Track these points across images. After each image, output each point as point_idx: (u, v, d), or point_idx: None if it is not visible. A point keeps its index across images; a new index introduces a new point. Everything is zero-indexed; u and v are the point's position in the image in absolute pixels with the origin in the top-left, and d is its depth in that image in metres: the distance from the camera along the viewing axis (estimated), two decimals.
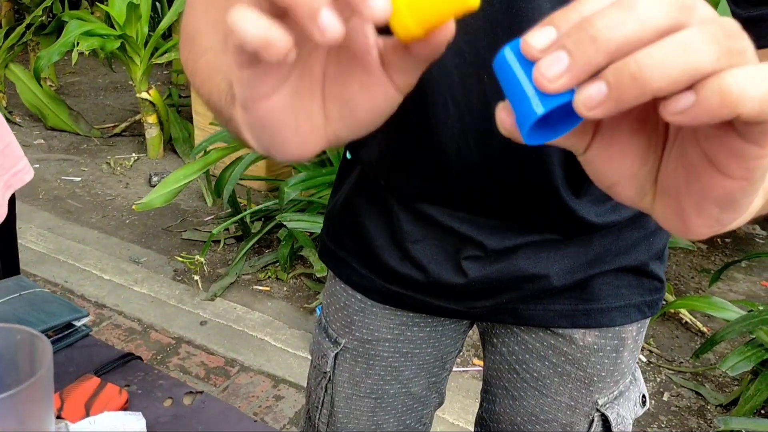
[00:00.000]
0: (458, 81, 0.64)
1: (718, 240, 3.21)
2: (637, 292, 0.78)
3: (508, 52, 0.32)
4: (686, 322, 2.55)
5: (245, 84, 0.35)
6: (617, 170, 0.35)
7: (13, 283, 0.94)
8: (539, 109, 0.30)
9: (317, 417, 0.97)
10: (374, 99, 0.37)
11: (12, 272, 1.16)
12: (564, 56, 0.29)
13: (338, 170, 0.89)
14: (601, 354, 0.79)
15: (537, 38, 0.30)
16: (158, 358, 2.13)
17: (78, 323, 0.90)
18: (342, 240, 0.87)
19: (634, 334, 0.81)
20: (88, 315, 0.91)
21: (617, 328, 0.79)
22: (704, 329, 2.50)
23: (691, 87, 0.28)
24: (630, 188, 0.35)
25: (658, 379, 2.25)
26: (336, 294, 0.90)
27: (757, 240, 3.27)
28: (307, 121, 0.38)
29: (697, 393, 2.19)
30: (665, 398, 2.16)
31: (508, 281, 0.75)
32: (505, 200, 0.71)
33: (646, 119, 0.33)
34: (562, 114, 0.32)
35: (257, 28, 0.31)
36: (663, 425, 2.04)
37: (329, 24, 0.30)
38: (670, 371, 2.29)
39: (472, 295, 0.78)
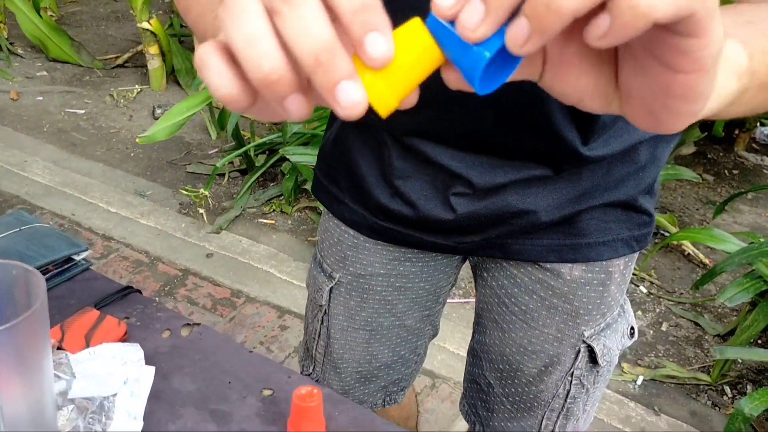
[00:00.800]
0: None
1: (726, 171, 3.19)
2: (626, 226, 0.79)
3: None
4: (689, 253, 2.56)
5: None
6: (576, 88, 0.35)
7: (13, 218, 0.95)
8: (485, 54, 0.31)
9: (314, 348, 1.00)
10: None
11: None
12: (479, 4, 0.30)
13: None
14: (587, 288, 0.80)
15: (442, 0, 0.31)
16: (166, 289, 2.17)
17: (77, 257, 0.91)
18: (334, 176, 0.87)
19: (622, 268, 0.82)
20: (87, 249, 0.92)
21: (604, 263, 0.80)
22: (706, 261, 2.52)
23: (605, 7, 0.29)
24: (595, 100, 0.36)
25: (658, 310, 2.28)
26: (330, 230, 0.91)
27: (765, 171, 3.24)
28: None
29: (696, 323, 2.22)
30: (664, 328, 2.19)
31: (496, 217, 0.76)
32: (497, 130, 0.70)
33: None
34: (505, 57, 0.32)
35: (222, 87, 0.32)
36: (660, 354, 2.08)
37: (296, 110, 0.32)
38: (670, 302, 2.31)
39: (461, 230, 0.79)
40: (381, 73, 0.31)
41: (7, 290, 0.61)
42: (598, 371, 0.87)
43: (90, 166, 2.86)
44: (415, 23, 0.32)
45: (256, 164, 2.72)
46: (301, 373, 1.05)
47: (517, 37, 0.30)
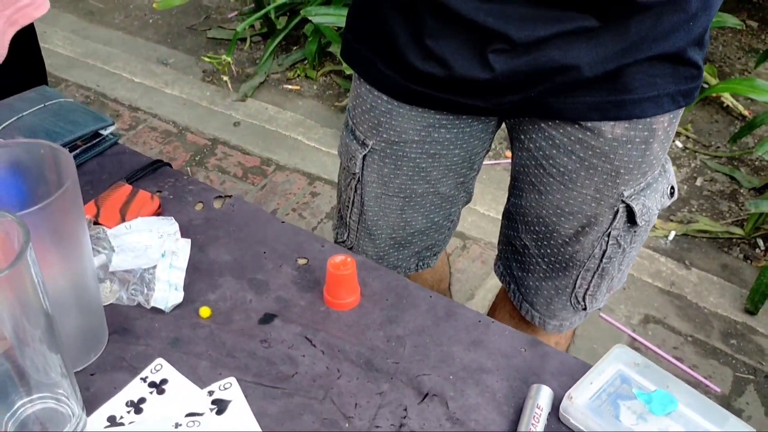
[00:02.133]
0: None
1: None
2: (672, 80, 0.74)
3: None
4: (727, 105, 2.47)
5: None
6: None
7: (37, 94, 0.94)
8: None
9: (348, 216, 1.00)
10: None
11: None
12: None
13: None
14: (629, 146, 0.78)
15: None
16: (196, 159, 2.18)
17: (105, 132, 0.90)
18: (365, 38, 0.83)
19: (666, 125, 0.78)
20: (113, 123, 0.91)
21: (648, 119, 0.76)
22: (746, 113, 2.43)
23: None
24: None
25: (693, 165, 2.24)
26: (362, 95, 0.88)
27: None
28: None
29: (731, 177, 2.19)
30: (698, 183, 2.16)
31: (537, 74, 0.72)
32: None
33: None
34: None
35: None
36: (694, 209, 2.06)
37: None
38: (706, 156, 2.27)
39: (499, 90, 0.75)
40: None
41: (37, 170, 0.61)
42: (635, 231, 0.86)
43: (110, 34, 2.80)
44: None
45: (278, 27, 2.63)
46: (335, 240, 1.06)
47: None
